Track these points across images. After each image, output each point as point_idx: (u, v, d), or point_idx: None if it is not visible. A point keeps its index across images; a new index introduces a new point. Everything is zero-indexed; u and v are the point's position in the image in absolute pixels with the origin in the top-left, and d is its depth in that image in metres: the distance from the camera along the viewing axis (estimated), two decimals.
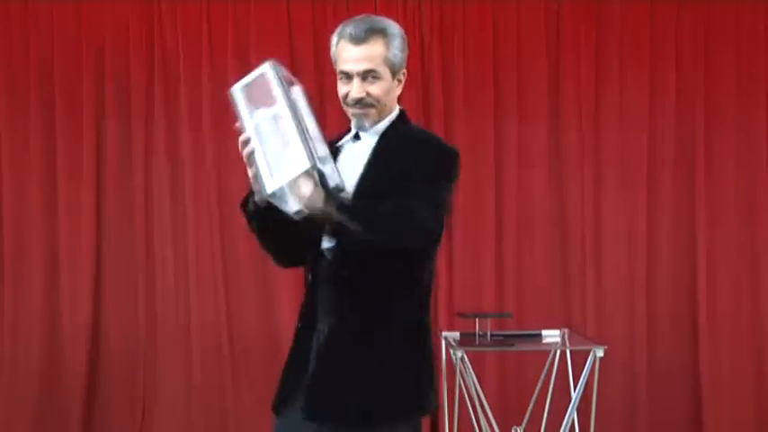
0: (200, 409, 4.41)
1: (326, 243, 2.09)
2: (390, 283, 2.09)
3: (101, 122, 4.48)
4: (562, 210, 4.49)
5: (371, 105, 2.13)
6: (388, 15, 4.38)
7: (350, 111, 2.15)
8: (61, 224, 4.45)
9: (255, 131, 2.01)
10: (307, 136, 1.97)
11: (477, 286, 4.45)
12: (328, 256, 2.09)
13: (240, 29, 4.46)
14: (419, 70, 4.42)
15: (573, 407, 3.45)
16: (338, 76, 2.14)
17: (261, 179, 1.97)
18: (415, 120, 4.35)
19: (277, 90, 2.02)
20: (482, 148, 4.44)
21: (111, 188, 4.47)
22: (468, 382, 3.50)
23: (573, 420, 3.51)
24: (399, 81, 2.19)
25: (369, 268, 2.06)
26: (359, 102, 2.12)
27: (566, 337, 3.77)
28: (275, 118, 2.00)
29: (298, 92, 2.08)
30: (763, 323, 4.47)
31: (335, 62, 2.16)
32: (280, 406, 2.18)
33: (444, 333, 3.78)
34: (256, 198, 2.04)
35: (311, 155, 1.92)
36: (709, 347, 4.42)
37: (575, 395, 3.45)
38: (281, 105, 2.00)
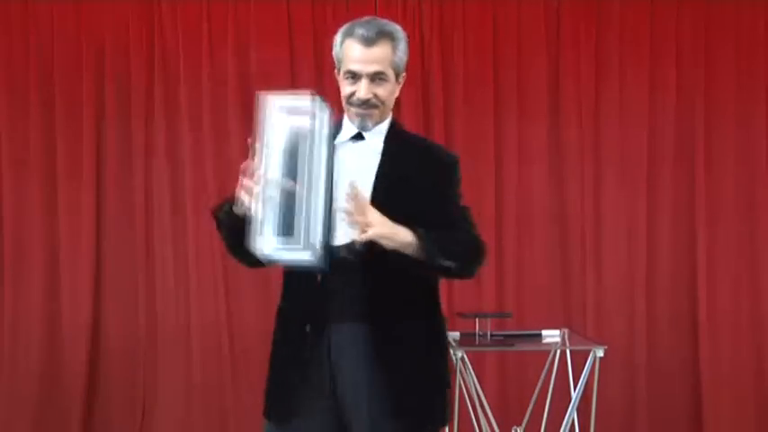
0: (200, 409, 4.41)
1: (345, 243, 2.08)
2: (418, 284, 2.22)
3: (101, 122, 4.48)
4: (562, 208, 4.49)
5: (376, 106, 2.17)
6: (388, 14, 4.43)
7: (353, 110, 2.17)
8: (61, 224, 4.45)
9: (279, 181, 1.96)
10: (311, 220, 1.96)
11: (477, 286, 4.44)
12: (350, 257, 2.08)
13: (240, 29, 4.46)
14: (419, 68, 4.42)
15: (573, 407, 3.45)
16: (343, 75, 2.17)
17: (259, 228, 1.95)
18: (416, 118, 4.40)
19: (321, 151, 2.00)
20: (482, 146, 4.43)
21: (111, 188, 4.47)
22: (468, 382, 3.50)
23: (573, 420, 3.50)
24: (399, 83, 2.25)
25: (400, 270, 2.11)
26: (365, 102, 2.15)
27: (566, 337, 3.77)
28: (309, 184, 1.97)
29: (324, 138, 2.02)
30: (764, 321, 4.47)
31: (340, 61, 2.18)
32: (286, 415, 2.13)
33: None
34: (236, 210, 2.04)
35: (323, 249, 1.96)
36: (710, 346, 4.41)
37: (575, 395, 3.45)
38: (318, 170, 1.98)
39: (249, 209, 1.97)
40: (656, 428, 4.42)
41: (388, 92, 2.20)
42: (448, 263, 2.13)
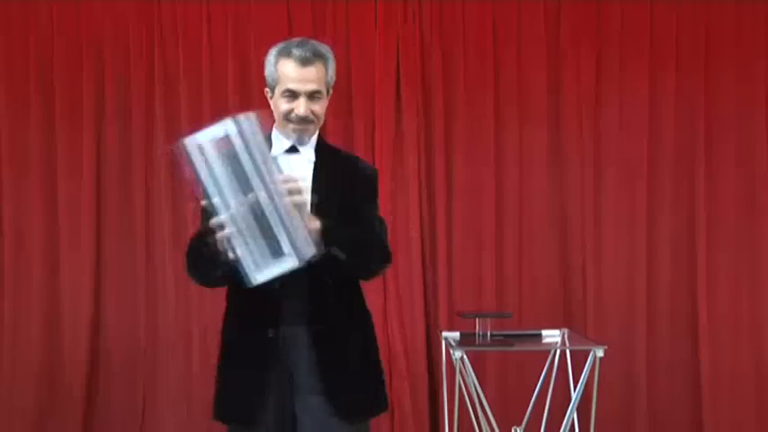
0: (200, 409, 4.41)
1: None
2: (355, 283, 2.42)
3: (101, 122, 4.47)
4: (562, 208, 4.49)
5: (312, 122, 2.35)
6: (388, 15, 4.45)
7: (290, 126, 2.33)
8: (61, 223, 4.45)
9: (230, 213, 2.00)
10: (287, 222, 2.01)
11: (477, 286, 4.45)
12: (303, 265, 2.11)
13: (240, 29, 4.46)
14: (419, 70, 4.42)
15: (573, 407, 3.45)
16: (281, 94, 2.31)
17: (243, 266, 2.01)
18: (416, 119, 4.40)
19: (248, 165, 2.00)
20: (482, 148, 4.44)
21: (111, 188, 4.47)
22: (468, 382, 3.51)
23: (573, 420, 3.51)
24: (328, 99, 2.41)
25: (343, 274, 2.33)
26: (304, 119, 2.32)
27: (566, 337, 3.77)
28: (252, 204, 2.00)
29: (261, 144, 2.03)
30: (763, 322, 4.47)
31: (276, 80, 2.33)
32: (251, 417, 2.30)
33: (444, 333, 3.78)
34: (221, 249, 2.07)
35: (296, 247, 2.01)
36: (710, 347, 4.41)
37: (575, 395, 3.45)
38: (256, 185, 2.00)
39: (236, 253, 2.03)
40: (656, 428, 4.42)
41: (323, 108, 2.36)
42: (344, 254, 2.22)
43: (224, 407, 2.40)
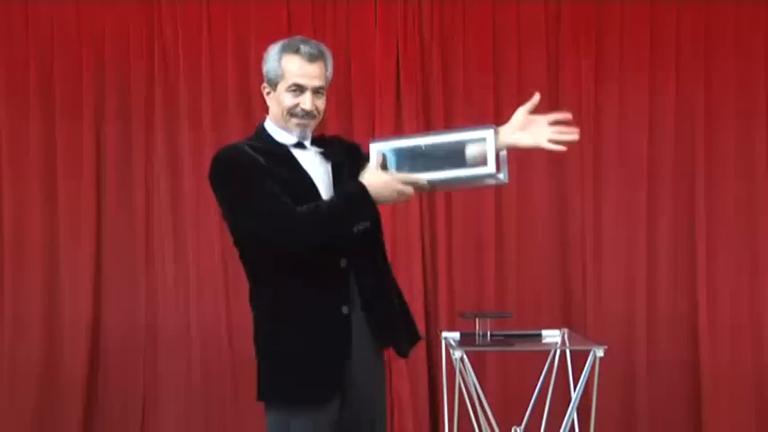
0: (200, 409, 4.41)
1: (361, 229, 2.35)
2: None
3: (101, 122, 4.48)
4: (562, 210, 4.49)
5: (314, 117, 2.40)
6: (388, 15, 4.45)
7: (294, 121, 2.37)
8: (61, 224, 4.45)
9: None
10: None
11: (478, 286, 4.45)
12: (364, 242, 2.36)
13: (240, 29, 4.46)
14: (419, 70, 4.42)
15: (573, 407, 3.45)
16: (288, 88, 2.35)
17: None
18: (416, 119, 4.39)
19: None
20: None
21: (111, 188, 4.47)
22: (468, 382, 3.50)
23: (573, 420, 3.50)
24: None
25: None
26: (309, 113, 2.37)
27: (566, 337, 3.76)
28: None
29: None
30: (763, 323, 4.47)
31: (280, 76, 2.37)
32: (331, 395, 2.32)
33: (444, 333, 3.78)
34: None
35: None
36: (710, 348, 4.41)
37: (575, 395, 3.45)
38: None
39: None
40: (656, 428, 4.42)
41: (324, 104, 2.43)
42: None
43: (298, 389, 2.32)
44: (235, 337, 4.40)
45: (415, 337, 2.55)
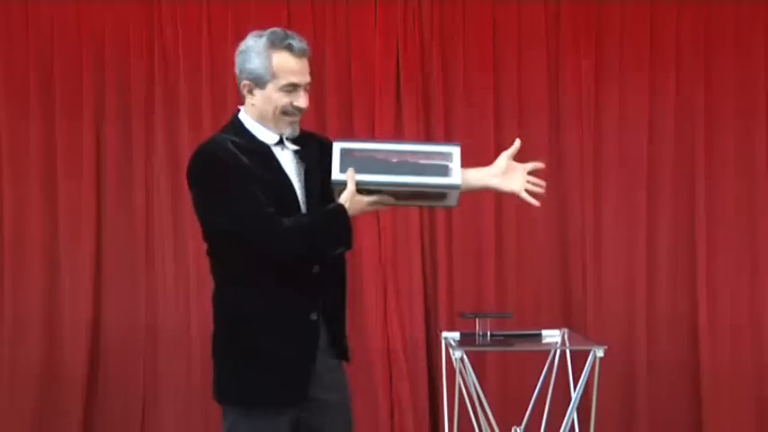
0: (200, 409, 4.41)
1: None
2: None
3: (101, 122, 4.47)
4: (562, 209, 4.49)
5: (301, 114, 2.34)
6: (389, 15, 4.45)
7: (287, 119, 2.31)
8: (61, 224, 4.45)
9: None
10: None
11: (478, 286, 4.45)
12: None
13: (240, 29, 4.44)
14: (419, 70, 4.42)
15: (573, 407, 3.45)
16: (283, 88, 2.27)
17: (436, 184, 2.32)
18: (416, 119, 4.39)
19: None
20: (482, 149, 4.42)
21: (111, 188, 4.47)
22: (468, 382, 3.50)
23: (573, 420, 3.50)
24: None
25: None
26: (301, 110, 2.32)
27: (566, 337, 3.76)
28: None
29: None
30: (763, 323, 4.46)
31: (272, 74, 2.28)
32: (300, 399, 2.30)
33: (444, 333, 3.78)
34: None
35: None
36: (710, 348, 4.41)
37: (575, 395, 3.45)
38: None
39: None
40: (656, 428, 4.42)
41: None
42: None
43: (262, 390, 2.30)
44: None
45: (347, 356, 2.51)
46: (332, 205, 2.27)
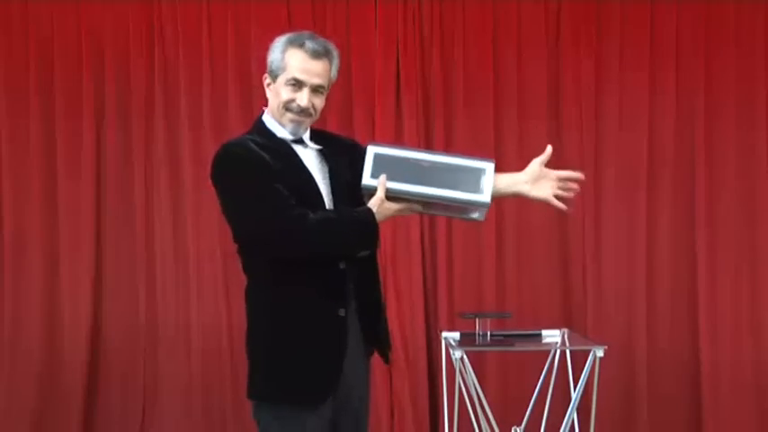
0: (200, 409, 4.42)
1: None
2: None
3: (101, 122, 4.48)
4: (562, 209, 4.48)
5: (311, 115, 2.34)
6: (388, 15, 4.45)
7: (288, 116, 2.33)
8: (61, 224, 4.45)
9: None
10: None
11: (478, 286, 4.45)
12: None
13: (240, 29, 4.46)
14: (419, 70, 4.42)
15: (573, 407, 3.45)
16: (286, 82, 2.31)
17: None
18: (416, 119, 4.39)
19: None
20: (482, 147, 4.42)
21: (111, 188, 4.47)
22: (468, 382, 3.50)
23: (573, 420, 3.51)
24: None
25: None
26: (304, 110, 2.32)
27: (566, 337, 3.76)
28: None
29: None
30: (763, 321, 4.46)
31: (281, 68, 2.32)
32: (324, 398, 2.29)
33: (444, 333, 3.78)
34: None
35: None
36: (710, 348, 4.41)
37: (575, 395, 3.45)
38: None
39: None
40: (656, 428, 4.42)
41: (322, 104, 2.37)
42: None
43: (295, 388, 2.29)
44: (235, 337, 4.40)
45: (389, 345, 2.54)
46: (361, 208, 2.28)
